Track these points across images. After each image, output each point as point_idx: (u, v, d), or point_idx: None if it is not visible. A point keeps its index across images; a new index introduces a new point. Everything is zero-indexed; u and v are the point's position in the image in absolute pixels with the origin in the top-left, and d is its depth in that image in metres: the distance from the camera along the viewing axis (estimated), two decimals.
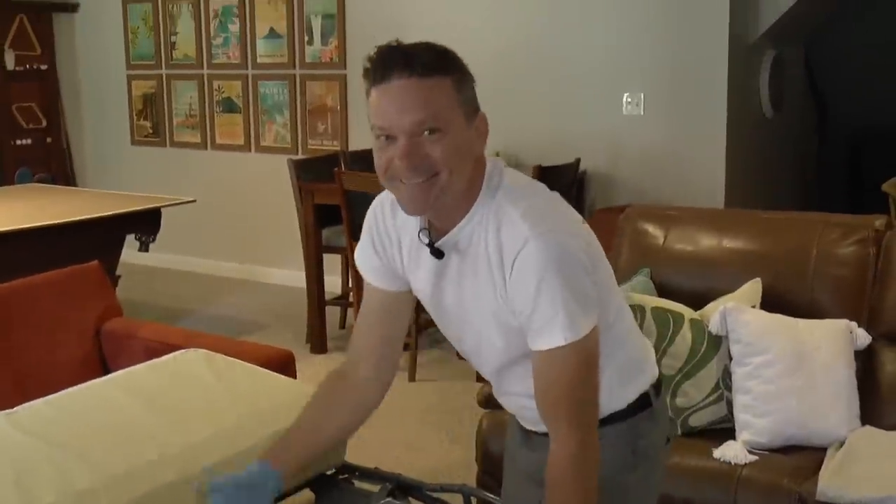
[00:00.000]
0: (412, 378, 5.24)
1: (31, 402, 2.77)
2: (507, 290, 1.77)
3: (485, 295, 1.82)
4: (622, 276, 3.55)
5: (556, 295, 1.71)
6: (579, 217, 1.91)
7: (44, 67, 8.18)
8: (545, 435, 1.88)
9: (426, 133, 1.71)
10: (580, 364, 1.77)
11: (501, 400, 2.08)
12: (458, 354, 5.44)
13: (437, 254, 1.87)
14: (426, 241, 1.88)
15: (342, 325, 6.18)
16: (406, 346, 5.53)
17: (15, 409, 2.72)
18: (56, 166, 8.25)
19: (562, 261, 1.73)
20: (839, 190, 7.52)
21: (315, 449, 2.16)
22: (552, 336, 1.73)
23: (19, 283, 3.54)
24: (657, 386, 2.04)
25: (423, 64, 1.71)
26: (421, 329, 5.31)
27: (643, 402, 1.99)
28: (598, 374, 1.81)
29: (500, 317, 1.82)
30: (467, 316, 1.90)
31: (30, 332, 3.41)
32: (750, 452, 2.95)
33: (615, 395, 1.94)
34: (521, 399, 1.96)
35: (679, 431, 3.06)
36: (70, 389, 2.92)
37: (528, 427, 2.03)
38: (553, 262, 1.72)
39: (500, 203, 1.80)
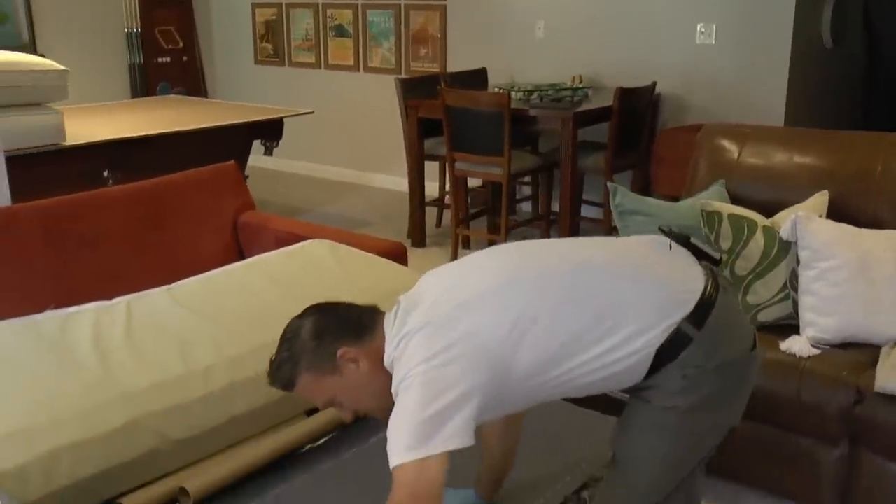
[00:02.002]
0: None
1: (185, 280, 2.78)
2: None
3: None
4: (700, 187, 3.43)
5: (393, 423, 1.59)
6: (451, 337, 1.63)
7: None
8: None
9: (336, 405, 1.78)
10: (403, 492, 1.56)
11: None
12: None
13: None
14: None
15: (438, 224, 6.14)
16: (494, 244, 5.53)
17: (172, 285, 2.73)
18: (191, 82, 8.27)
19: (409, 395, 1.59)
20: (882, 118, 7.17)
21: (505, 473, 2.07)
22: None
23: (169, 179, 3.54)
24: (695, 315, 1.70)
25: (283, 383, 1.77)
26: (510, 227, 5.23)
27: (679, 342, 1.69)
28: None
29: None
30: None
31: (180, 221, 3.42)
32: (813, 347, 2.85)
33: (632, 372, 1.71)
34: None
35: None
36: (216, 270, 2.93)
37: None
38: (402, 397, 1.61)
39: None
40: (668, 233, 1.88)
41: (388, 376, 1.67)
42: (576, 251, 1.89)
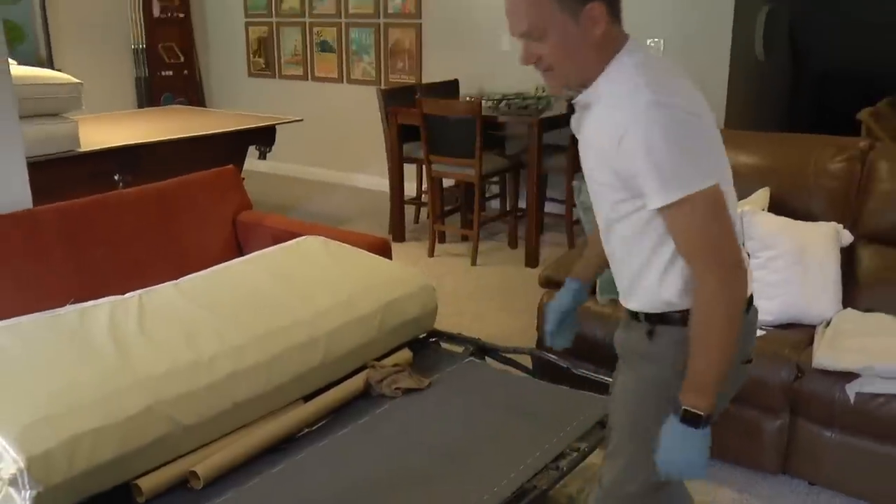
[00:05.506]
0: (473, 263, 5.12)
1: (191, 275, 2.70)
2: (618, 154, 1.51)
3: (599, 156, 1.58)
4: None
5: (663, 156, 1.44)
6: (700, 98, 1.58)
7: (181, 15, 7.96)
8: (634, 316, 1.68)
9: (533, 39, 1.54)
10: (701, 213, 1.46)
11: (609, 261, 1.76)
12: (508, 244, 5.38)
13: (572, 108, 1.65)
14: (567, 97, 1.68)
15: (416, 220, 6.05)
16: (466, 238, 5.47)
17: (179, 280, 2.65)
18: (191, 93, 8.10)
19: (668, 125, 1.44)
20: (804, 121, 7.17)
21: (601, 262, 1.86)
22: (666, 193, 1.46)
23: (176, 182, 3.44)
24: None
25: None
26: (481, 223, 5.17)
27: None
28: (724, 219, 1.48)
29: (606, 178, 1.58)
30: (591, 173, 1.65)
31: (186, 220, 3.33)
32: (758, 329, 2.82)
33: (684, 294, 1.58)
34: (616, 263, 1.70)
35: None
36: (218, 266, 2.85)
37: (622, 301, 1.74)
38: (659, 127, 1.44)
39: (624, 76, 1.53)
40: None
41: (601, 59, 1.55)
42: None
